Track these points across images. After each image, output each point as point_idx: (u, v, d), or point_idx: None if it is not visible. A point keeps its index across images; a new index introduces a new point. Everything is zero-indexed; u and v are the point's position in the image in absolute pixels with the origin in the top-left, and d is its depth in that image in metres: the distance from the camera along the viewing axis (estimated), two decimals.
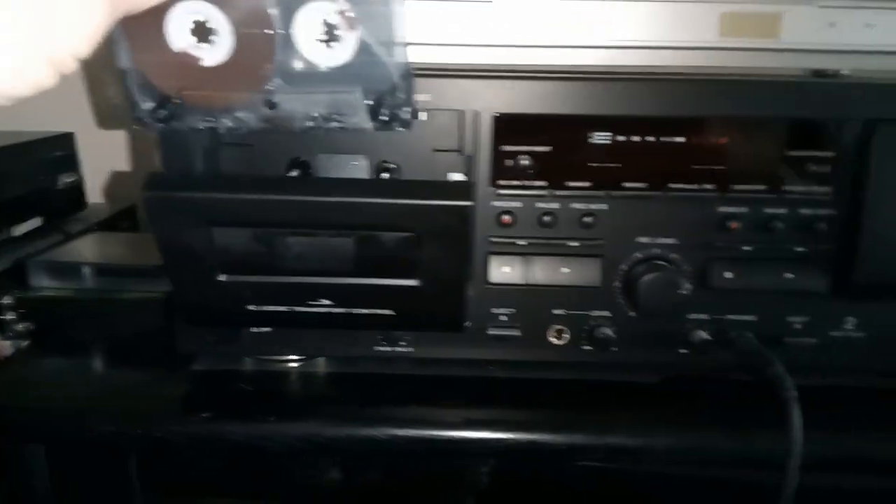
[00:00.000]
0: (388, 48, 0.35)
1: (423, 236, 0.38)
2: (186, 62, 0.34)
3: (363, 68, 0.35)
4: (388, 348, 0.45)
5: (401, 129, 0.36)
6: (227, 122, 0.36)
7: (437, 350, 0.45)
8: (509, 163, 0.42)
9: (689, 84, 0.41)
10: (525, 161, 0.42)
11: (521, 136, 0.41)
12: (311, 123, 0.36)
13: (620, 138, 0.41)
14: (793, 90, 0.42)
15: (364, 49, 0.35)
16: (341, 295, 0.40)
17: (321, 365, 0.49)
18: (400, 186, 0.38)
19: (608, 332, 0.44)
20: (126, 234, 0.74)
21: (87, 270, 0.55)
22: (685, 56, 0.46)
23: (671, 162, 0.42)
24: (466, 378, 0.46)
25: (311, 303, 0.40)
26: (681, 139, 0.41)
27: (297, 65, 0.35)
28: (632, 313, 0.44)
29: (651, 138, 0.41)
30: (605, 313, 0.44)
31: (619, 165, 0.42)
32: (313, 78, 0.35)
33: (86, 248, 0.62)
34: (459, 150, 0.42)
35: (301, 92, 0.35)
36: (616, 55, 0.45)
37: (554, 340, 0.45)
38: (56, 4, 0.20)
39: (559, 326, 0.45)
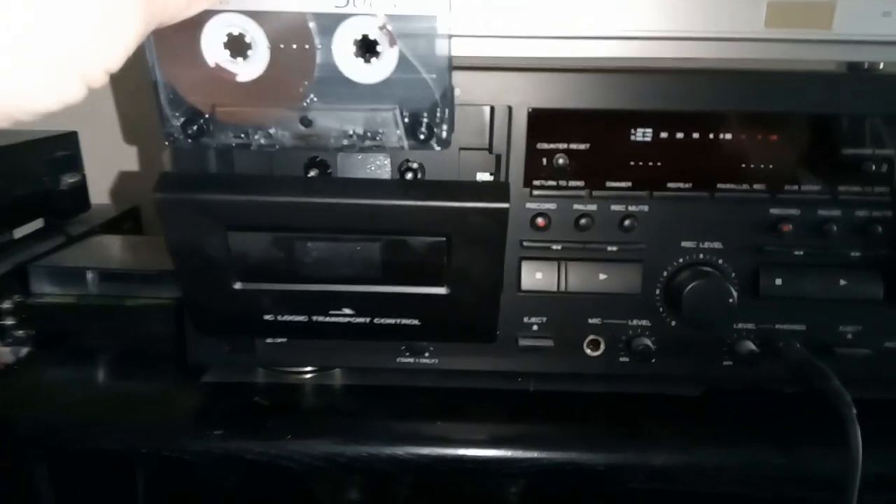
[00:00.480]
0: (428, 65, 0.33)
1: (455, 241, 0.35)
2: (220, 77, 0.32)
3: (402, 85, 0.33)
4: (412, 359, 0.43)
5: (438, 147, 0.34)
6: (259, 140, 0.34)
7: (463, 361, 0.43)
8: (544, 161, 0.39)
9: (736, 77, 0.39)
10: (561, 160, 0.39)
11: (558, 133, 0.39)
12: (346, 142, 0.34)
13: (663, 135, 0.39)
14: (847, 84, 0.39)
15: (404, 65, 0.33)
16: (364, 304, 0.38)
17: (338, 376, 0.46)
18: (431, 187, 0.36)
19: (647, 342, 0.41)
20: (131, 236, 0.71)
21: (91, 275, 0.52)
22: (728, 48, 0.43)
23: (718, 160, 0.39)
24: (495, 392, 0.43)
25: (332, 312, 0.37)
26: (728, 136, 0.39)
27: (335, 81, 0.33)
28: (673, 323, 0.41)
29: (696, 135, 0.39)
30: (645, 322, 0.41)
31: (662, 164, 0.39)
32: (350, 94, 0.33)
33: (89, 252, 0.59)
34: (488, 149, 0.39)
35: (337, 109, 0.33)
36: (656, 46, 0.42)
37: (589, 351, 0.42)
38: (87, 17, 0.19)
39: (595, 336, 0.42)
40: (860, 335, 0.41)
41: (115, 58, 0.21)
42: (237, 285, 0.36)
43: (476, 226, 0.34)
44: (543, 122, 0.38)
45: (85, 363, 0.48)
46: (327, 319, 0.38)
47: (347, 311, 0.38)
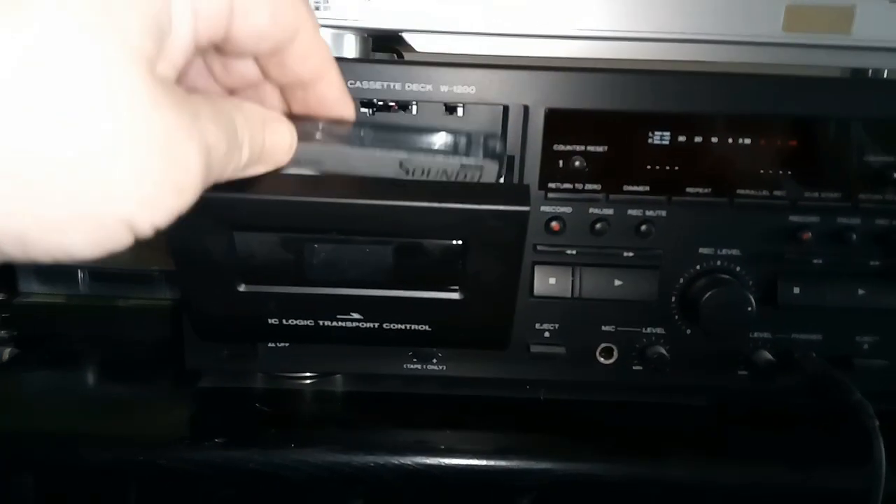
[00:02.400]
0: None
1: (472, 245, 0.34)
2: None
3: None
4: (419, 366, 0.41)
5: None
6: None
7: (472, 368, 0.41)
8: (560, 164, 0.38)
9: (756, 81, 0.38)
10: (577, 162, 0.38)
11: (575, 135, 0.37)
12: None
13: (682, 139, 0.38)
14: (868, 90, 0.38)
15: None
16: (373, 308, 0.36)
17: (339, 382, 0.44)
18: (447, 188, 0.34)
19: (662, 351, 0.40)
20: None
21: (81, 274, 0.50)
22: (747, 51, 0.42)
23: (738, 166, 0.38)
24: (505, 400, 0.42)
25: (339, 317, 0.36)
26: (748, 141, 0.38)
27: None
28: (688, 331, 0.40)
29: (715, 139, 0.38)
30: (660, 331, 0.40)
31: (681, 168, 0.38)
32: None
33: None
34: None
35: None
36: (675, 48, 0.42)
37: (602, 359, 0.41)
38: (138, 163, 0.17)
39: (608, 344, 0.41)
40: (878, 345, 0.41)
41: (169, 215, 0.19)
42: (242, 287, 0.35)
43: (494, 229, 0.33)
44: (560, 123, 0.37)
45: (74, 366, 0.46)
46: (334, 324, 0.36)
47: (356, 315, 0.36)
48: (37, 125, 0.15)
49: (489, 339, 0.38)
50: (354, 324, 0.36)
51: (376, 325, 0.36)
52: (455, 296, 0.35)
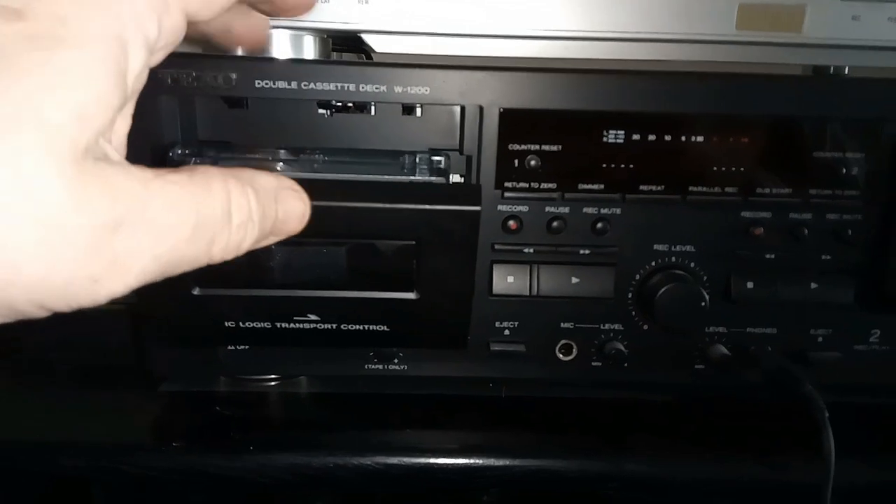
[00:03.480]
0: None
1: (425, 245, 0.34)
2: None
3: None
4: (380, 366, 0.41)
5: None
6: None
7: (433, 367, 0.42)
8: (516, 163, 0.38)
9: (708, 79, 0.38)
10: (533, 161, 0.38)
11: (529, 134, 0.38)
12: None
13: (636, 137, 0.38)
14: (820, 88, 0.39)
15: None
16: (330, 310, 0.36)
17: (304, 384, 0.44)
18: (400, 189, 0.34)
19: (620, 346, 0.41)
20: None
21: None
22: (700, 50, 0.43)
23: (690, 163, 0.38)
24: (466, 398, 0.42)
25: (296, 319, 0.36)
26: (700, 139, 0.38)
27: None
28: (646, 327, 0.41)
29: (668, 137, 0.38)
30: (618, 327, 0.41)
31: (635, 166, 0.38)
32: None
33: None
34: (459, 150, 0.38)
35: None
36: (628, 48, 0.42)
37: (561, 356, 0.41)
38: (50, 258, 0.18)
39: (567, 341, 0.41)
40: (831, 339, 0.41)
41: (97, 298, 0.20)
42: (196, 291, 0.35)
43: (446, 229, 0.33)
44: (515, 123, 0.38)
45: (36, 372, 0.45)
46: (292, 326, 0.36)
47: (312, 317, 0.36)
48: None
49: (447, 338, 0.38)
50: (312, 325, 0.36)
51: (334, 326, 0.36)
52: (411, 296, 0.36)
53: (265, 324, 0.36)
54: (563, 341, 0.41)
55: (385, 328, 0.37)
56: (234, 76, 0.35)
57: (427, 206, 0.33)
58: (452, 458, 0.38)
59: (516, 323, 0.41)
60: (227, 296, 0.35)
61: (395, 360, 0.41)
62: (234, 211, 0.22)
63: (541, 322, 0.41)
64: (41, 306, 0.19)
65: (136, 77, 0.20)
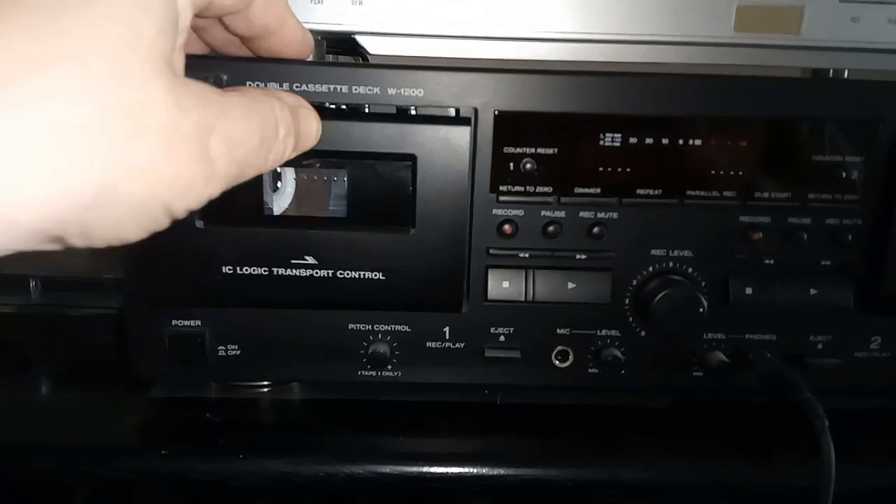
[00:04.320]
0: None
1: (421, 169, 0.36)
2: None
3: None
4: (373, 372, 0.41)
5: None
6: None
7: (427, 374, 0.41)
8: (511, 166, 0.38)
9: (705, 81, 0.38)
10: (528, 164, 0.38)
11: (525, 137, 0.37)
12: None
13: (633, 140, 0.37)
14: (818, 90, 0.38)
15: None
16: (328, 250, 0.36)
17: (296, 391, 0.44)
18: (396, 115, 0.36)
19: (616, 353, 0.40)
20: None
21: (33, 283, 0.49)
22: (698, 52, 0.42)
23: (688, 167, 0.38)
24: (460, 405, 0.42)
25: (294, 262, 0.36)
26: (698, 142, 0.38)
27: None
28: (643, 333, 0.40)
29: (666, 140, 0.38)
30: (614, 333, 0.40)
31: (632, 170, 0.38)
32: None
33: (33, 258, 0.56)
34: None
35: None
36: (626, 50, 0.42)
37: (557, 363, 0.41)
38: (174, 164, 0.20)
39: (563, 347, 0.41)
40: (830, 344, 0.41)
41: (201, 201, 0.22)
42: (199, 224, 0.35)
43: (441, 148, 0.35)
44: (510, 126, 0.37)
45: (25, 375, 0.45)
46: (289, 273, 0.36)
47: (310, 259, 0.36)
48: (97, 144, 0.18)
49: (443, 290, 0.38)
50: (309, 272, 0.36)
51: (330, 273, 0.37)
52: (408, 234, 0.36)
53: (263, 269, 0.36)
54: (559, 347, 0.41)
55: (381, 276, 0.37)
56: (224, 77, 0.35)
57: (423, 125, 0.35)
58: (445, 467, 0.38)
59: (511, 329, 0.40)
60: (229, 231, 0.36)
61: (389, 367, 0.41)
62: (281, 123, 0.25)
63: (536, 328, 0.40)
64: (168, 210, 0.21)
65: (184, 13, 0.22)
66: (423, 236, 0.37)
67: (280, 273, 0.36)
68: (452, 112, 0.37)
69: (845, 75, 0.50)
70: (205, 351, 0.39)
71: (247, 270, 0.36)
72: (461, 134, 0.36)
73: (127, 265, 0.38)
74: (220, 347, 0.39)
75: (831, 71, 0.51)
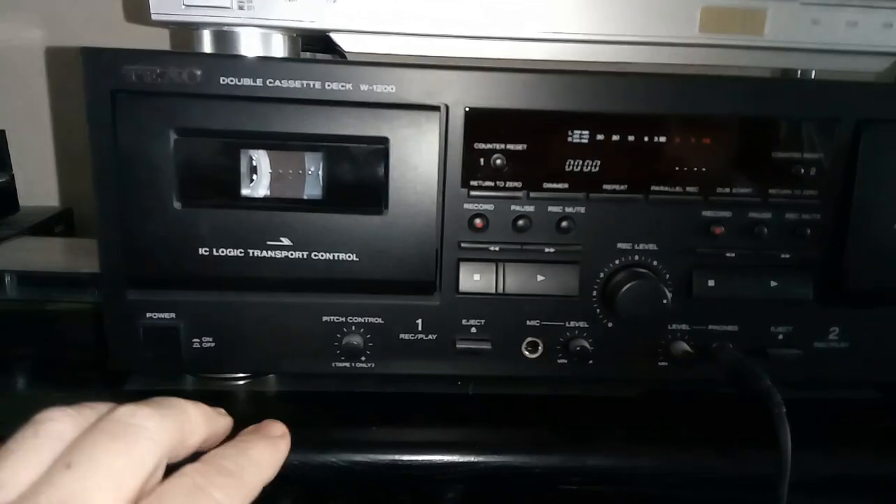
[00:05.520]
0: None
1: (394, 150, 0.37)
2: None
3: None
4: (347, 364, 0.41)
5: None
6: None
7: (400, 365, 0.42)
8: (482, 162, 0.38)
9: (671, 81, 0.39)
10: (499, 160, 0.38)
11: (495, 133, 0.38)
12: None
13: (600, 137, 0.39)
14: (778, 89, 0.40)
15: None
16: (303, 232, 0.37)
17: (272, 383, 0.44)
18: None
19: (585, 344, 0.41)
20: (56, 238, 0.68)
21: (9, 278, 0.49)
22: (664, 52, 0.44)
23: (652, 163, 0.39)
24: (432, 396, 0.43)
25: (270, 243, 0.37)
26: (662, 139, 0.39)
27: None
28: (610, 324, 0.41)
29: (631, 137, 0.39)
30: (582, 324, 0.41)
31: (599, 166, 0.39)
32: None
33: (10, 254, 0.56)
34: None
35: None
36: (593, 49, 0.43)
37: (527, 353, 0.42)
38: None
39: (533, 338, 0.42)
40: (791, 336, 0.42)
41: None
42: (177, 205, 0.36)
43: (413, 129, 0.37)
44: (480, 122, 0.38)
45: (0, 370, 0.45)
46: (264, 254, 0.37)
47: (285, 241, 0.37)
48: None
49: (415, 272, 0.39)
50: (284, 253, 0.37)
51: (305, 254, 0.38)
52: (380, 216, 0.38)
53: (239, 251, 0.37)
54: (529, 339, 0.42)
55: (354, 257, 0.38)
56: (198, 73, 0.35)
57: (396, 110, 0.37)
58: (417, 455, 0.38)
59: (483, 321, 0.41)
60: (206, 212, 0.37)
61: (363, 359, 0.41)
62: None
63: (507, 320, 0.41)
64: None
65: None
66: (396, 218, 0.38)
67: (255, 255, 0.37)
68: None
69: (812, 75, 0.51)
70: (179, 343, 0.40)
71: (223, 252, 0.37)
72: (431, 117, 0.37)
73: (103, 248, 0.38)
74: (194, 340, 0.40)
75: (799, 71, 0.53)
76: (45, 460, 0.23)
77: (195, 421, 0.28)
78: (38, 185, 0.79)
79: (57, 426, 0.24)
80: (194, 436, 0.27)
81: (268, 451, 0.29)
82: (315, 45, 0.50)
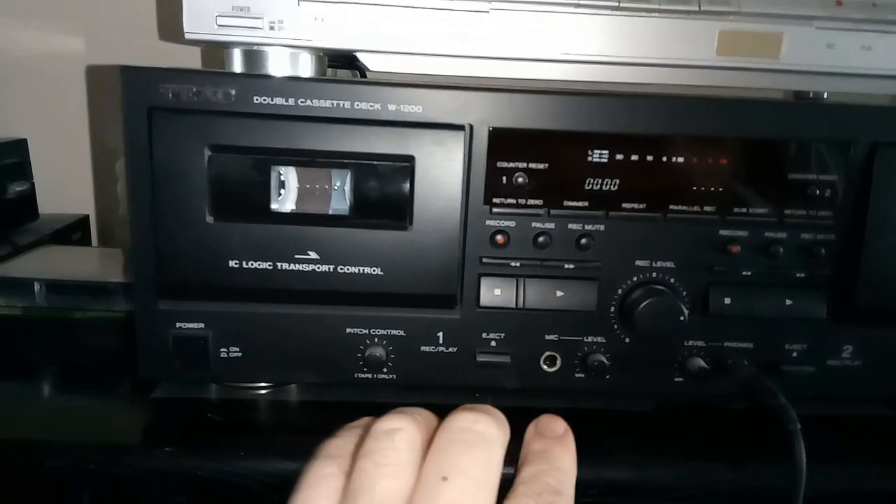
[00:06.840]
0: None
1: (419, 168, 0.38)
2: None
3: None
4: (370, 374, 0.42)
5: None
6: None
7: (421, 376, 0.43)
8: (504, 180, 0.40)
9: (690, 102, 0.40)
10: (520, 178, 0.40)
11: (517, 153, 0.39)
12: None
13: (619, 157, 0.40)
14: (795, 112, 0.41)
15: None
16: (330, 246, 0.39)
17: (294, 392, 0.45)
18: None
19: (602, 358, 0.42)
20: (81, 247, 0.70)
21: (38, 286, 0.51)
22: (682, 74, 0.45)
23: (671, 182, 0.40)
24: (452, 407, 0.43)
25: (298, 256, 0.39)
26: (681, 159, 0.40)
27: None
28: (627, 340, 0.42)
29: (650, 157, 0.40)
30: (600, 339, 0.42)
31: (618, 185, 0.40)
32: None
33: (37, 263, 0.57)
34: None
35: None
36: (613, 71, 0.44)
37: (545, 367, 0.43)
38: None
39: (551, 353, 0.42)
40: (805, 353, 0.43)
41: None
42: (209, 219, 0.38)
43: (438, 147, 0.38)
44: (503, 142, 0.39)
45: (30, 377, 0.46)
46: (293, 267, 0.39)
47: (313, 255, 0.38)
48: None
49: (437, 286, 0.40)
50: (311, 267, 0.39)
51: (331, 268, 0.39)
52: (405, 231, 0.39)
53: (268, 264, 0.38)
54: (547, 353, 0.42)
55: (379, 271, 0.39)
56: (233, 92, 0.37)
57: (422, 129, 0.38)
58: None
59: (502, 334, 0.42)
60: (237, 226, 0.38)
61: (385, 370, 0.42)
62: None
63: (526, 334, 0.42)
64: None
65: None
66: (420, 234, 0.39)
67: (284, 268, 0.39)
68: None
69: (825, 97, 0.52)
70: (208, 353, 0.41)
71: (252, 265, 0.38)
72: (456, 137, 0.38)
73: (137, 259, 0.39)
74: (222, 349, 0.41)
75: (812, 93, 0.54)
76: (407, 473, 0.24)
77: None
78: (50, 192, 0.80)
79: (407, 436, 0.26)
80: None
81: (568, 455, 0.30)
82: (337, 60, 0.52)
